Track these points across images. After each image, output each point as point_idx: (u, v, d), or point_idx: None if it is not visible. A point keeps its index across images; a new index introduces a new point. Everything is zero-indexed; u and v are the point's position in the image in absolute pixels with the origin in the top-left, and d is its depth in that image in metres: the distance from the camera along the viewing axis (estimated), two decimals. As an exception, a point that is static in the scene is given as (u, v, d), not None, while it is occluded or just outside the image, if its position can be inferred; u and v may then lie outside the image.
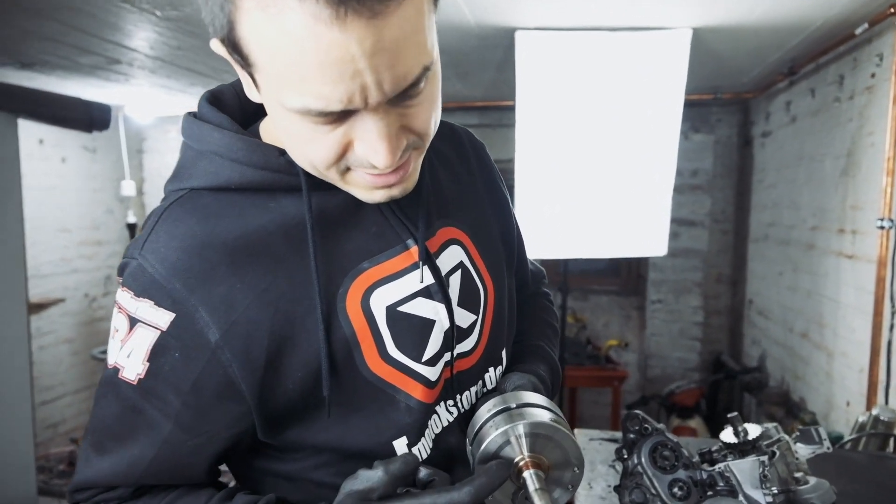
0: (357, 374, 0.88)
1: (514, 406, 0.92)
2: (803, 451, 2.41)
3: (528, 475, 0.85)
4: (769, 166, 5.29)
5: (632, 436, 1.48)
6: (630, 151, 3.76)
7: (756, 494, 1.44)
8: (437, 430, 0.98)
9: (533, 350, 1.18)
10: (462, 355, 1.01)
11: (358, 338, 0.87)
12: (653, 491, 1.47)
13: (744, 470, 1.47)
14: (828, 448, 2.26)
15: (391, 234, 0.91)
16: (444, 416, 0.99)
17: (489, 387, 1.09)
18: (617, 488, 1.54)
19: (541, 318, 1.31)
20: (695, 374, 5.93)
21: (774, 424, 1.85)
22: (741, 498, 1.42)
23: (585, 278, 6.32)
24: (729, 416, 1.69)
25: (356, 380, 0.88)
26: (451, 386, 1.00)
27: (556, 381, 1.14)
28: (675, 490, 1.44)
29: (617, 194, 3.92)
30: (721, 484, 1.48)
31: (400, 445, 0.92)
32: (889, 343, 3.04)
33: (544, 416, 0.90)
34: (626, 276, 6.43)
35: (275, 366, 0.81)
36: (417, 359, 0.92)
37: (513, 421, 0.88)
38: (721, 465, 1.45)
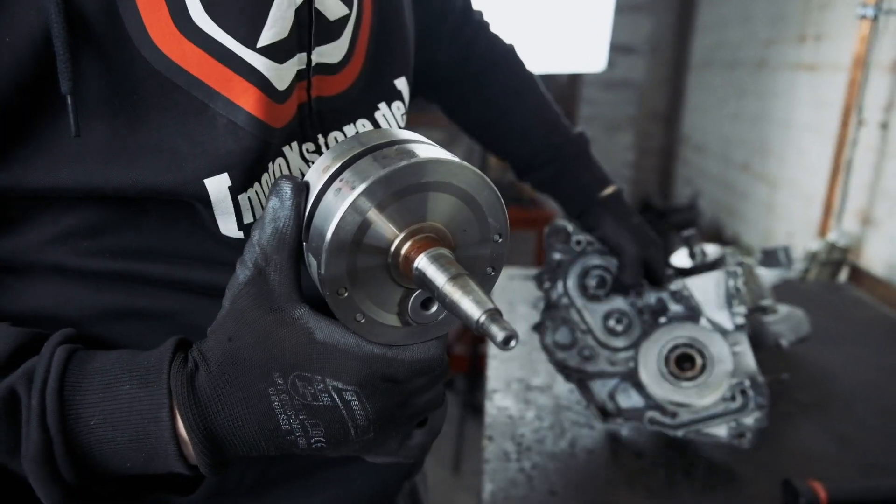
0: (129, 54, 0.59)
1: (371, 147, 0.56)
2: (768, 277, 2.04)
3: (424, 261, 0.53)
4: (720, -22, 4.74)
5: (556, 256, 1.29)
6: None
7: (721, 317, 1.24)
8: None
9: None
10: (325, 69, 0.73)
11: None
12: (583, 327, 1.29)
13: (705, 288, 1.25)
14: (797, 272, 1.86)
15: None
16: (296, 164, 0.73)
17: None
18: (537, 327, 1.34)
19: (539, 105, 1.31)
20: (624, 215, 5.61)
21: (731, 249, 1.42)
22: (703, 322, 1.24)
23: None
24: (684, 233, 1.48)
25: (129, 66, 0.59)
26: (308, 116, 0.73)
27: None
28: (612, 323, 1.28)
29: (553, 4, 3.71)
30: (675, 308, 1.26)
31: (216, 187, 0.63)
32: (850, 162, 2.66)
33: (426, 151, 0.55)
34: (556, 110, 5.91)
35: None
36: (248, 40, 0.62)
37: (374, 171, 0.52)
38: (676, 285, 1.26)
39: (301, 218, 0.55)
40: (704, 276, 1.23)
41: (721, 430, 1.19)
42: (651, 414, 1.22)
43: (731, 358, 1.20)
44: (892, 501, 1.11)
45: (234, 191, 0.65)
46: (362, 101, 0.81)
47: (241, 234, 0.66)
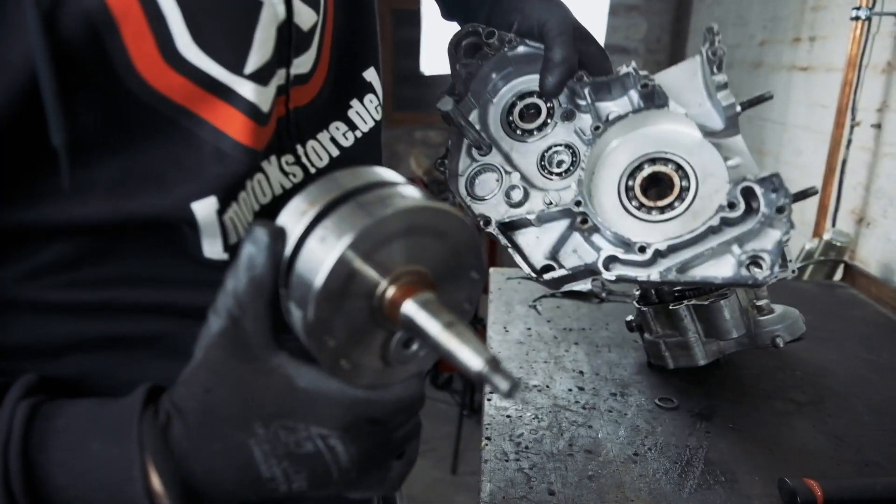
0: (116, 89, 0.58)
1: (350, 191, 0.55)
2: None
3: (413, 307, 0.53)
4: (714, -21, 4.75)
5: (463, 70, 1.01)
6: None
7: (704, 112, 0.95)
8: (265, 201, 0.71)
9: None
10: (299, 79, 0.73)
11: (116, 16, 0.55)
12: (506, 169, 1.03)
13: (677, 81, 0.96)
14: (793, 272, 1.70)
15: None
16: (276, 178, 0.72)
17: (356, 134, 0.83)
18: (440, 163, 1.10)
19: None
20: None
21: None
22: (672, 106, 0.93)
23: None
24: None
25: (115, 101, 0.58)
26: (286, 129, 0.73)
27: None
28: (553, 163, 1.02)
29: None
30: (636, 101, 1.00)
31: (204, 210, 0.63)
32: (844, 161, 2.67)
33: (407, 197, 0.55)
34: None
35: None
36: (235, 66, 0.62)
37: (359, 219, 0.52)
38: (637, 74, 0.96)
39: (279, 265, 0.53)
40: (673, 68, 0.97)
41: (723, 268, 0.86)
42: (609, 254, 0.90)
43: (724, 169, 0.87)
44: (888, 499, 1.12)
45: (221, 213, 0.64)
46: (333, 103, 0.81)
47: (226, 256, 0.66)
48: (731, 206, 0.82)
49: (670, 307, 1.54)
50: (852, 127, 2.68)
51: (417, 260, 0.55)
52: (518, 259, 0.99)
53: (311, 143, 0.77)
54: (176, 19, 0.58)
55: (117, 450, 0.54)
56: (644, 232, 0.91)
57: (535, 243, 0.99)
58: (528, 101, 0.97)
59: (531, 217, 0.96)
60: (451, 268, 0.58)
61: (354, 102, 0.83)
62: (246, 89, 0.62)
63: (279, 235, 0.53)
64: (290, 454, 0.55)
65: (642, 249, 0.87)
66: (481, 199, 1.01)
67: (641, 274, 0.88)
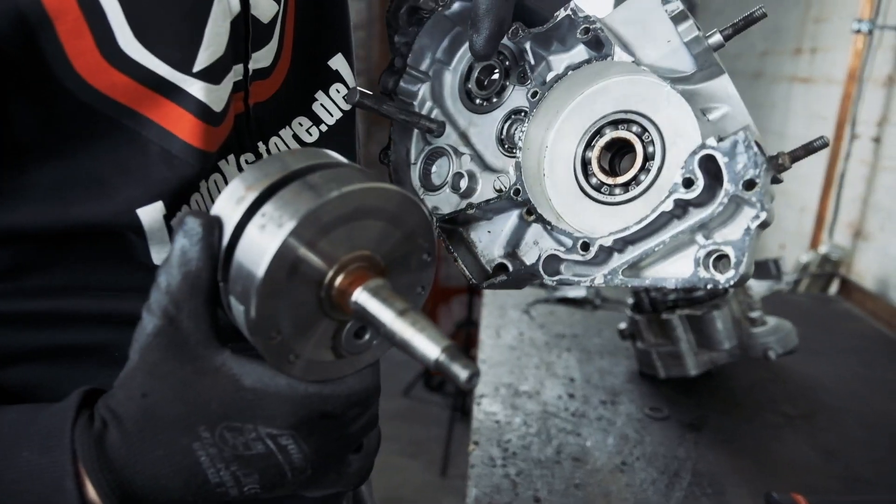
0: (52, 88, 0.55)
1: (291, 173, 0.51)
2: (758, 288, 2.05)
3: (364, 295, 0.50)
4: (718, -11, 4.75)
5: (401, 40, 0.85)
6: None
7: (667, 54, 0.72)
8: None
9: None
10: (260, 74, 0.70)
11: (50, 12, 0.52)
12: (466, 151, 0.85)
13: (633, 18, 0.74)
14: (787, 284, 1.71)
15: None
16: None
17: (321, 129, 0.79)
18: (384, 153, 0.91)
19: None
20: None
21: None
22: (619, 54, 0.72)
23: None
24: None
25: (52, 100, 0.55)
26: (246, 127, 0.70)
27: None
28: (513, 131, 0.82)
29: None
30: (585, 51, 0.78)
31: (150, 216, 0.61)
32: (843, 174, 2.67)
33: (352, 177, 0.51)
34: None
35: None
36: (183, 64, 0.59)
37: (302, 203, 0.48)
38: (583, 17, 0.74)
39: (215, 258, 0.50)
40: (620, 7, 0.75)
41: (682, 266, 0.67)
42: (549, 253, 0.74)
43: (695, 124, 0.67)
44: (875, 515, 1.11)
45: (169, 218, 0.62)
46: (297, 97, 0.77)
47: None
48: (688, 183, 0.61)
49: (663, 316, 1.53)
50: (852, 140, 2.68)
51: (366, 245, 0.52)
52: (460, 264, 0.83)
53: (273, 140, 0.74)
54: (116, 15, 0.55)
55: (48, 459, 0.51)
56: (604, 218, 0.73)
57: (489, 238, 0.83)
58: (486, 63, 0.82)
59: (472, 212, 0.81)
60: (402, 251, 0.55)
61: (319, 94, 0.80)
62: (195, 88, 0.60)
63: (214, 225, 0.50)
64: (239, 456, 0.52)
65: (585, 247, 0.70)
66: (437, 189, 0.87)
67: (584, 277, 0.71)
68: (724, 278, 0.61)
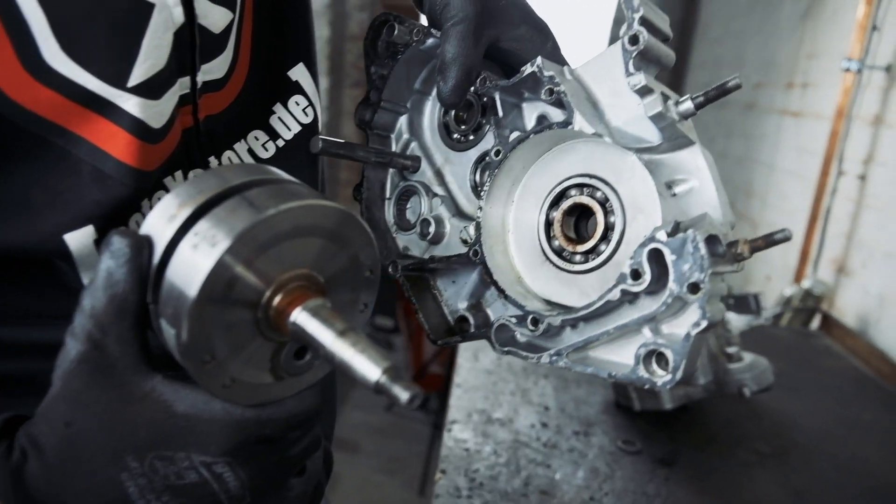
0: None
1: (227, 190, 0.49)
2: (737, 322, 2.05)
3: (303, 315, 0.49)
4: (716, 19, 4.84)
5: (377, 73, 0.83)
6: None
7: (632, 120, 0.68)
8: None
9: None
10: (212, 86, 0.67)
11: None
12: (440, 192, 0.82)
13: (601, 73, 0.70)
14: (766, 320, 1.70)
15: None
16: None
17: (278, 144, 0.76)
18: (356, 192, 0.88)
19: None
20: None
21: None
22: (578, 121, 0.67)
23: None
24: None
25: None
26: (196, 141, 0.67)
27: None
28: (484, 180, 0.78)
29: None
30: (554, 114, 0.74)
31: (79, 241, 0.58)
32: (828, 210, 2.68)
33: (291, 193, 0.50)
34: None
35: None
36: (116, 79, 0.56)
37: (237, 221, 0.46)
38: (548, 67, 0.70)
39: (144, 279, 0.47)
40: (596, 58, 0.70)
41: (626, 356, 0.64)
42: (502, 322, 0.72)
43: (656, 201, 0.64)
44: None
45: (101, 242, 0.57)
46: (253, 109, 0.74)
47: None
48: (636, 275, 0.59)
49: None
50: (838, 176, 2.70)
51: (305, 263, 0.50)
52: (420, 317, 0.79)
53: (227, 155, 0.71)
54: (41, 27, 0.51)
55: None
56: (562, 286, 0.70)
57: (454, 289, 0.80)
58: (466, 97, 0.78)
59: (433, 265, 0.78)
60: (343, 269, 0.53)
61: (278, 107, 0.76)
62: (130, 104, 0.56)
63: (143, 245, 0.47)
64: (171, 487, 0.50)
65: (535, 322, 0.68)
66: (411, 228, 0.83)
67: (532, 353, 0.68)
68: (662, 380, 0.59)
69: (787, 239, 0.64)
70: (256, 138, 0.74)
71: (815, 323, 2.53)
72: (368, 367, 0.46)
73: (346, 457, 4.08)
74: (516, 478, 1.30)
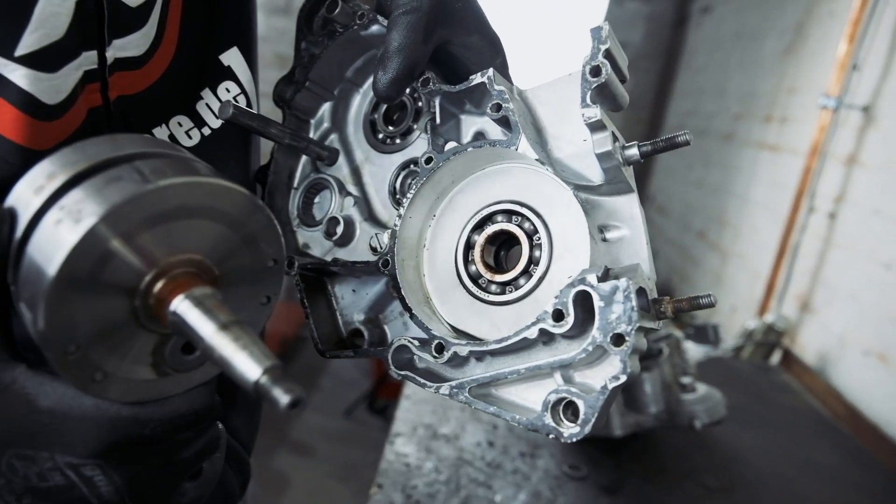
0: None
1: (106, 160, 0.44)
2: (695, 352, 2.02)
3: (184, 304, 0.43)
4: (701, 48, 4.88)
5: (307, 50, 0.75)
6: None
7: (577, 157, 0.64)
8: None
9: None
10: (127, 64, 0.61)
11: None
12: (346, 189, 0.78)
13: (556, 95, 0.66)
14: (725, 352, 1.67)
15: None
16: None
17: (203, 132, 0.70)
18: (260, 176, 0.80)
19: None
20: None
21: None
22: (522, 146, 0.63)
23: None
24: None
25: None
26: (106, 122, 0.61)
27: None
28: (404, 188, 0.73)
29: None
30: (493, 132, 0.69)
31: None
32: (797, 246, 2.69)
33: (181, 169, 0.45)
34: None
35: None
36: (4, 49, 0.51)
37: (110, 195, 0.41)
38: (496, 83, 0.65)
39: (4, 257, 0.43)
40: (552, 82, 0.66)
41: (535, 400, 0.59)
42: (401, 343, 0.65)
43: (586, 243, 0.60)
44: None
45: None
46: (178, 93, 0.68)
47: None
48: (558, 316, 0.55)
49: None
50: (809, 213, 2.70)
51: (197, 248, 0.45)
52: (310, 323, 0.72)
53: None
54: None
55: None
56: (473, 315, 0.66)
57: (353, 298, 0.73)
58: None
59: (335, 269, 0.72)
60: (242, 257, 0.49)
61: (206, 93, 0.71)
62: (17, 75, 0.51)
63: (4, 218, 0.42)
64: (32, 489, 0.46)
65: (439, 349, 0.62)
66: (315, 224, 0.76)
67: (431, 382, 0.63)
68: (569, 432, 0.55)
69: (710, 305, 0.61)
70: (180, 124, 0.68)
71: (776, 358, 2.53)
72: (249, 366, 0.41)
73: (300, 461, 3.99)
74: (455, 497, 1.26)
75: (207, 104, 0.70)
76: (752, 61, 3.77)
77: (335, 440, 4.28)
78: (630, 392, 1.45)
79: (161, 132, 0.66)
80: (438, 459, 1.38)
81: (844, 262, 2.45)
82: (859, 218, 2.42)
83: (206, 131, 0.71)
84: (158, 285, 0.43)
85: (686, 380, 1.50)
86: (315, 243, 0.76)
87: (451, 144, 0.69)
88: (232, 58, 0.72)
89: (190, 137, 0.70)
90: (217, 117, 0.70)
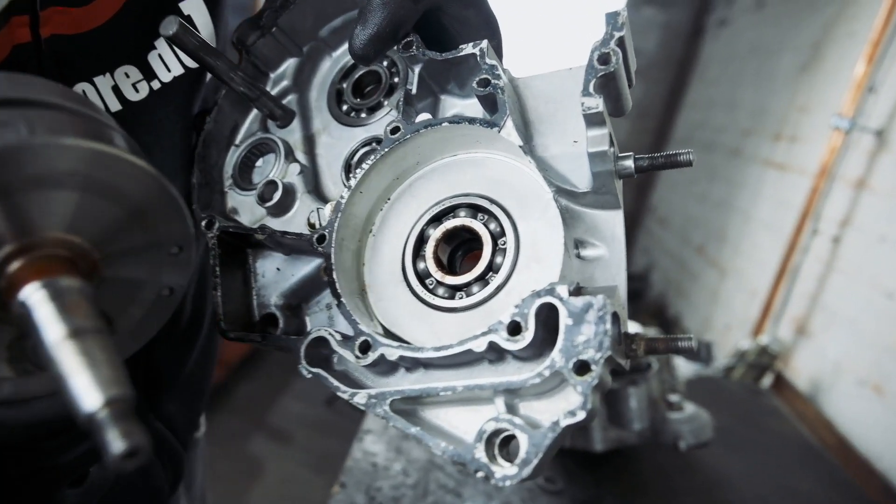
0: None
1: None
2: (685, 369, 1.95)
3: (36, 294, 0.35)
4: (715, 60, 4.81)
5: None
6: None
7: (567, 159, 0.57)
8: None
9: None
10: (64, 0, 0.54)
11: None
12: (294, 155, 0.68)
13: (553, 86, 0.59)
14: (715, 371, 1.58)
15: None
16: None
17: (153, 85, 0.63)
18: (197, 121, 0.72)
19: None
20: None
21: (655, 330, 1.31)
22: (508, 131, 0.55)
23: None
24: None
25: None
26: (36, 63, 0.54)
27: None
28: (359, 166, 0.62)
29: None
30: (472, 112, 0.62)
31: None
32: (797, 267, 2.62)
33: (65, 128, 0.37)
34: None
35: None
36: None
37: None
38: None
39: None
40: (554, 73, 0.59)
41: (468, 427, 0.51)
42: (319, 335, 0.56)
43: (559, 256, 0.52)
44: None
45: None
46: (128, 40, 0.61)
47: None
48: (514, 329, 0.47)
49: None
50: (812, 235, 2.64)
51: (77, 227, 0.37)
52: (217, 296, 0.62)
53: (80, 87, 0.58)
54: None
55: None
56: (412, 317, 0.57)
57: (275, 276, 0.64)
58: (368, 67, 0.64)
59: (260, 237, 0.62)
60: (135, 242, 0.41)
61: (160, 43, 0.63)
62: None
63: None
64: None
65: (364, 348, 0.54)
66: (250, 189, 0.67)
67: (347, 386, 0.54)
68: (502, 473, 0.45)
69: (690, 350, 0.53)
70: (127, 75, 0.61)
71: (768, 381, 2.46)
72: (88, 391, 0.32)
73: (277, 448, 3.93)
74: (421, 502, 1.19)
75: (160, 55, 0.62)
76: (765, 77, 3.70)
77: (314, 429, 4.21)
78: (614, 406, 1.38)
79: (104, 81, 0.59)
80: (408, 461, 1.31)
81: (845, 287, 2.39)
82: (864, 244, 2.35)
83: (156, 85, 0.63)
84: (15, 264, 0.35)
85: (674, 397, 1.43)
86: (245, 209, 0.67)
87: (424, 116, 0.60)
88: (193, 7, 0.65)
89: (137, 91, 0.62)
90: (160, 31, 0.58)
